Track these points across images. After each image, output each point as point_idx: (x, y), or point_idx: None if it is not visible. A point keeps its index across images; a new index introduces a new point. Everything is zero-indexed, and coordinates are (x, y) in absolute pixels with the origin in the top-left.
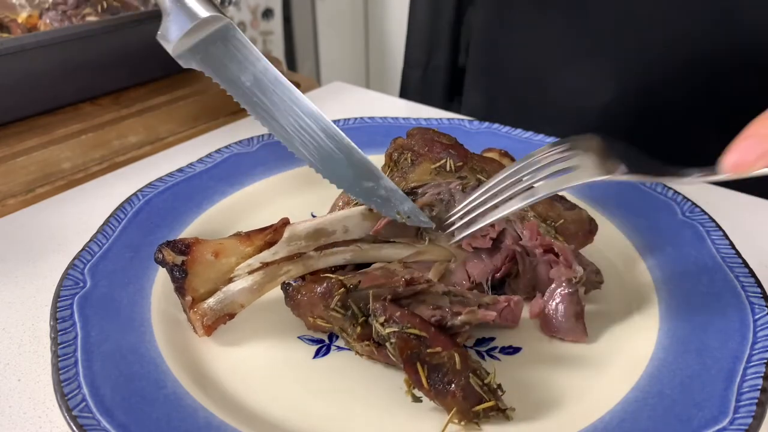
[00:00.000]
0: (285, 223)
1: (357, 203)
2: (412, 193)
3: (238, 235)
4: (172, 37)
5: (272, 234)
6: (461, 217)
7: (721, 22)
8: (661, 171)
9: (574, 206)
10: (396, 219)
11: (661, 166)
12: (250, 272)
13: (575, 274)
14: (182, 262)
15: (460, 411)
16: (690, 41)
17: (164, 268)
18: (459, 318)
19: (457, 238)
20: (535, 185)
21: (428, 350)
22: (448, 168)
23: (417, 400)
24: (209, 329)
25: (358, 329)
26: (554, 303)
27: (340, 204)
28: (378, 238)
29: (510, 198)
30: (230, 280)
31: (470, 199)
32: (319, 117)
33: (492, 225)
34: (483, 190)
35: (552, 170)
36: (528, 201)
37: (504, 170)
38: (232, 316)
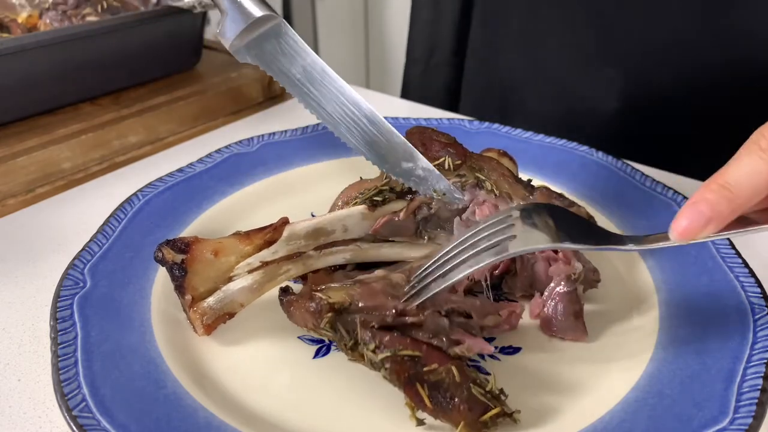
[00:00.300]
0: (284, 222)
1: (357, 203)
2: (410, 191)
3: (237, 234)
4: (230, 35)
5: (272, 233)
6: (415, 285)
7: (722, 31)
8: (606, 240)
9: (572, 203)
10: (433, 196)
11: (602, 233)
12: (250, 271)
13: (574, 271)
14: (182, 261)
15: (468, 424)
16: (692, 50)
17: (164, 267)
18: (454, 350)
19: (416, 301)
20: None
21: (425, 369)
22: (446, 166)
23: (421, 423)
24: (209, 328)
25: (350, 351)
26: (553, 302)
27: (340, 204)
28: (377, 237)
29: (459, 264)
30: (230, 279)
31: (425, 266)
32: (362, 104)
33: None
34: (438, 256)
35: (496, 239)
36: (472, 269)
37: (453, 239)
38: (231, 315)
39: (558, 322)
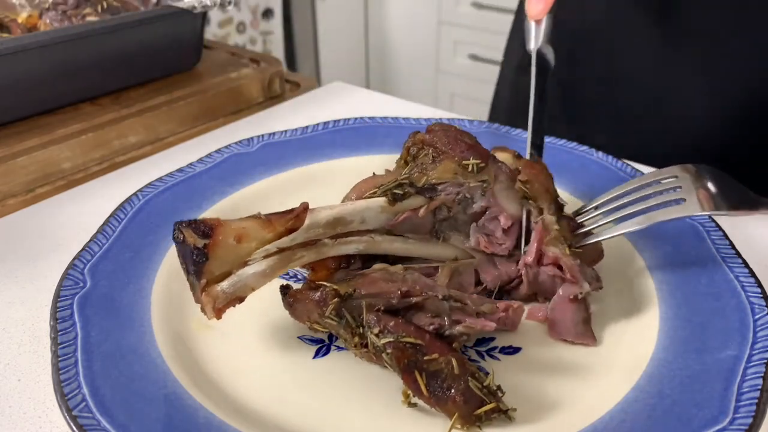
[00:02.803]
0: (306, 207)
1: (376, 194)
2: (431, 189)
3: (258, 217)
4: None
5: (294, 220)
6: (578, 227)
7: None
8: (757, 203)
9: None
10: None
11: (756, 198)
12: (266, 256)
13: (581, 291)
14: (204, 246)
15: (462, 416)
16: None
17: (182, 250)
18: (457, 328)
19: (584, 242)
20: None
21: (425, 357)
22: (470, 169)
23: (413, 405)
24: (219, 312)
25: (355, 338)
26: (562, 309)
27: (354, 198)
28: (392, 231)
29: (630, 216)
30: (245, 264)
31: (587, 209)
32: None
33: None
34: (591, 207)
35: (663, 199)
36: (641, 225)
37: (614, 191)
38: (242, 299)
39: (567, 328)
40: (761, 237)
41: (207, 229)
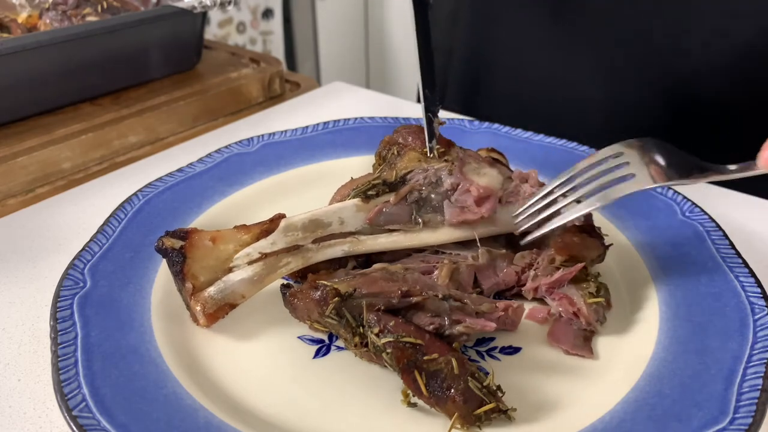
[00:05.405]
0: (281, 216)
1: (351, 197)
2: (401, 182)
3: (236, 227)
4: None
5: (268, 224)
6: (528, 217)
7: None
8: (704, 170)
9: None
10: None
11: (703, 164)
12: (250, 263)
13: (592, 329)
14: (180, 247)
15: (462, 416)
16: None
17: (165, 259)
18: (457, 328)
19: (528, 239)
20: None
21: (425, 357)
22: (431, 154)
23: (412, 405)
24: (210, 318)
25: (355, 338)
26: (565, 327)
27: (338, 199)
28: (374, 229)
29: (578, 201)
30: (230, 270)
31: (534, 199)
32: None
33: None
34: (545, 193)
35: (614, 176)
36: (591, 207)
37: (563, 175)
38: (233, 306)
39: (566, 340)
40: (761, 237)
41: (183, 234)
